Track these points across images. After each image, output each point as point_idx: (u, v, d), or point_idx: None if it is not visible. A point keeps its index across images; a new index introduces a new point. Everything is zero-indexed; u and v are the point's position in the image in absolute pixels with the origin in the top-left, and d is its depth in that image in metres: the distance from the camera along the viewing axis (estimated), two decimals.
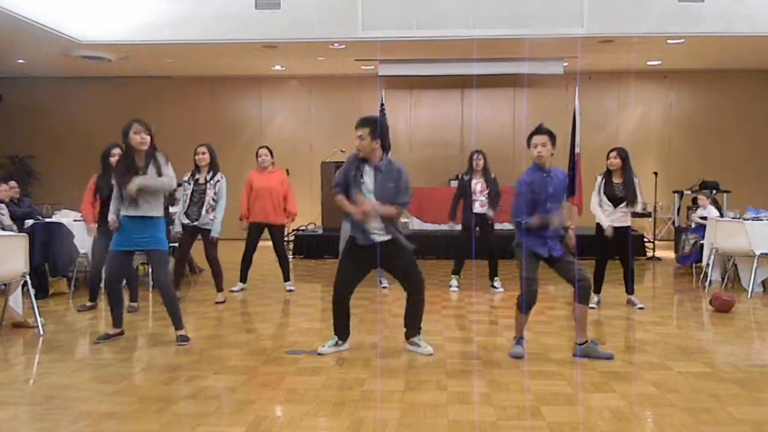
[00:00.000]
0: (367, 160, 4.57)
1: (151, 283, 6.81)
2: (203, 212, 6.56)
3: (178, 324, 5.08)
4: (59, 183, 12.96)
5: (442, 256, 10.26)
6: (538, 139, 4.55)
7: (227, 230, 10.42)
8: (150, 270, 5.26)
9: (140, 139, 4.83)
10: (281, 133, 13.94)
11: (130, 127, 4.85)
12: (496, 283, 7.53)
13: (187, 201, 6.60)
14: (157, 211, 4.96)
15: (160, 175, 4.86)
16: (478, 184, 7.35)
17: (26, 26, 9.28)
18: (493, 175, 7.39)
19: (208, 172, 6.65)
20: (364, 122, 4.57)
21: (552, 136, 4.55)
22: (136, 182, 4.78)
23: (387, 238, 4.56)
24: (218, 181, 6.64)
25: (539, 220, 4.49)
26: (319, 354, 4.67)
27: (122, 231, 4.94)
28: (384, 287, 7.49)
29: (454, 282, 7.56)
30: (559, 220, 4.56)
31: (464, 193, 7.39)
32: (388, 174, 4.53)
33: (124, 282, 6.46)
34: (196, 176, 6.67)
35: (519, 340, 4.71)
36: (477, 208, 7.33)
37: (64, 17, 9.79)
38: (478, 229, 7.38)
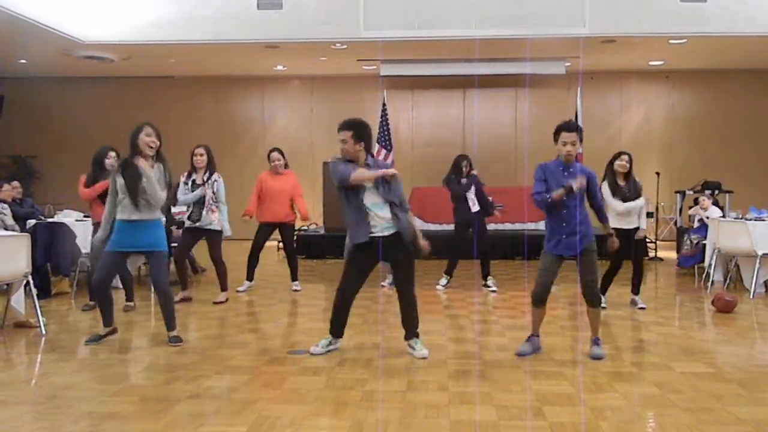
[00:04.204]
0: (354, 162, 4.56)
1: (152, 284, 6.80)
2: (204, 213, 6.56)
3: (170, 325, 5.07)
4: (61, 183, 12.93)
5: (443, 257, 10.22)
6: (568, 136, 4.39)
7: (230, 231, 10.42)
8: (150, 271, 5.24)
9: (150, 141, 4.87)
10: (283, 133, 13.93)
11: (141, 130, 4.88)
12: (489, 282, 7.56)
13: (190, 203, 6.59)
14: (155, 214, 4.97)
15: (167, 180, 4.92)
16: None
17: (28, 26, 9.28)
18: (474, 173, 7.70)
19: (205, 173, 6.65)
20: (347, 125, 4.52)
21: (581, 133, 4.46)
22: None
23: (391, 232, 4.53)
24: (215, 180, 6.64)
25: (559, 194, 4.33)
26: (312, 354, 4.67)
27: (120, 233, 4.91)
28: (383, 286, 7.49)
29: (443, 281, 7.60)
30: (579, 184, 4.34)
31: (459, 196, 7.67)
32: (376, 168, 4.52)
33: (119, 282, 6.49)
34: (193, 177, 6.65)
35: (530, 337, 4.73)
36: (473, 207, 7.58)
37: (66, 17, 9.81)
38: (471, 230, 7.47)
